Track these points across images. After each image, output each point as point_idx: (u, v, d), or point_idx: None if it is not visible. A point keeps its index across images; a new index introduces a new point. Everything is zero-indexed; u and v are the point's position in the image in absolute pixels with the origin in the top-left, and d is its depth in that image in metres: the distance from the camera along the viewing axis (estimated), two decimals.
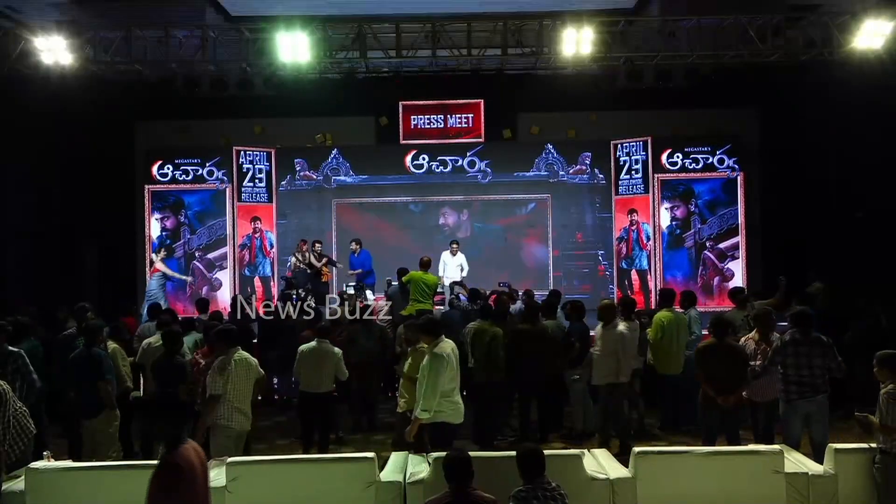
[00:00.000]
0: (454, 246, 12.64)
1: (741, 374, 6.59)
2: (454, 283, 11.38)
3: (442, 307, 10.85)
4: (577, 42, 10.76)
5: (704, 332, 9.52)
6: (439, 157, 14.16)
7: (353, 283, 11.51)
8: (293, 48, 10.86)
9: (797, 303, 8.91)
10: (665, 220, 13.04)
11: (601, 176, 14.08)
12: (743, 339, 7.10)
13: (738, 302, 8.96)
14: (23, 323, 7.31)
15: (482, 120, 14.05)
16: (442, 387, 5.89)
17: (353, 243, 12.63)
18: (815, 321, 6.56)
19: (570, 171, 14.20)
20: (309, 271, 12.36)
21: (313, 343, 7.44)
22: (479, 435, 7.75)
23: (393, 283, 11.40)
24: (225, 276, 13.20)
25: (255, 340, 9.48)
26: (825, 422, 6.32)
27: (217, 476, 5.22)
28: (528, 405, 8.11)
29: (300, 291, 11.08)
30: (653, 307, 11.33)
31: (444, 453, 4.57)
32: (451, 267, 12.46)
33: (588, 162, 14.16)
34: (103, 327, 6.99)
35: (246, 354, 6.28)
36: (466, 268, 12.45)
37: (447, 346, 6.08)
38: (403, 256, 12.53)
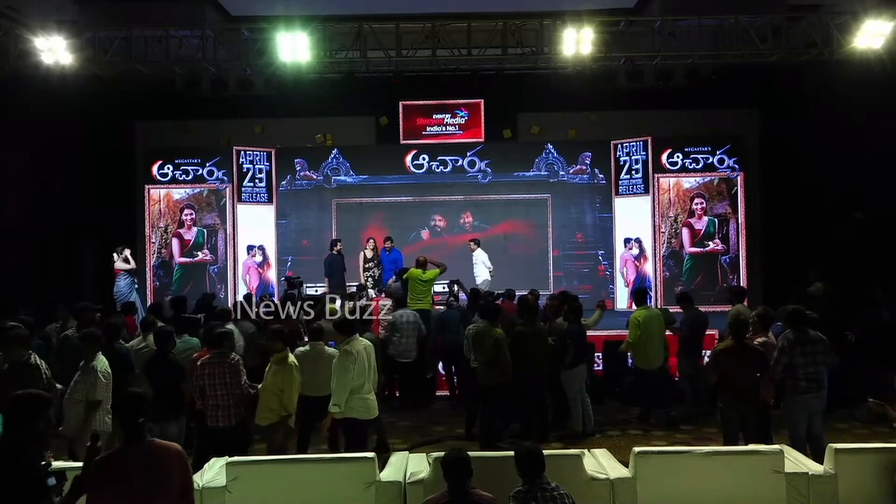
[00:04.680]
0: (472, 244, 12.62)
1: (757, 376, 6.53)
2: (453, 282, 11.15)
3: (441, 307, 10.81)
4: (577, 42, 10.78)
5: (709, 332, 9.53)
6: (439, 157, 14.16)
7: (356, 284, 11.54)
8: (293, 48, 10.86)
9: (791, 302, 8.89)
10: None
11: (601, 176, 14.08)
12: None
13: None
14: (28, 323, 7.07)
15: (482, 120, 14.05)
16: (351, 383, 6.21)
17: (387, 241, 12.64)
18: (811, 320, 6.67)
19: (571, 171, 14.20)
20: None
21: (307, 347, 7.00)
22: (483, 436, 7.74)
23: (395, 283, 11.40)
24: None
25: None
26: (821, 415, 6.56)
27: (217, 476, 5.22)
28: (529, 406, 8.09)
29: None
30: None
31: (441, 453, 4.55)
32: (477, 265, 12.48)
33: (588, 162, 14.15)
34: (173, 332, 6.88)
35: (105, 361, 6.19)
36: (489, 265, 12.40)
37: (359, 344, 6.40)
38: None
